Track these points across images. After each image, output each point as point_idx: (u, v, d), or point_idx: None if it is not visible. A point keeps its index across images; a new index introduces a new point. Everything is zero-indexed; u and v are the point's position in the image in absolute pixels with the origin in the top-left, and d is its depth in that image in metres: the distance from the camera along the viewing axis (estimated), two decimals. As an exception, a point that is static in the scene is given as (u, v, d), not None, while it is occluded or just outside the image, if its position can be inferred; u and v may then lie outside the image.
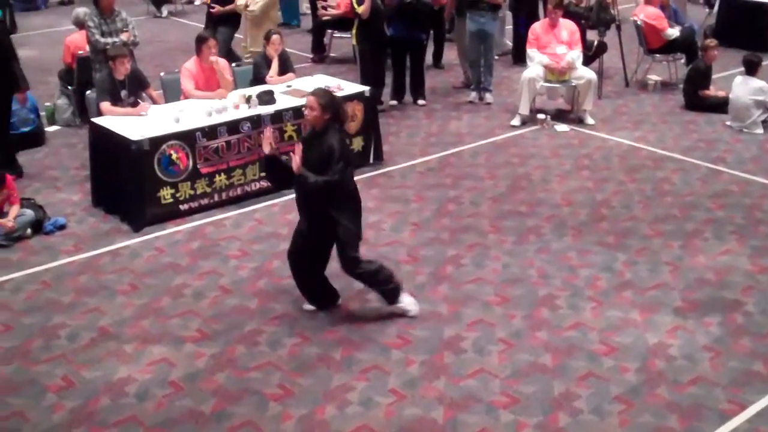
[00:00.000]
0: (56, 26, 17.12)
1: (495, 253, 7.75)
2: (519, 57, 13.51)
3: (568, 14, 11.93)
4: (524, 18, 13.48)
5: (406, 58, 11.86)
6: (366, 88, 9.76)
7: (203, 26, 12.95)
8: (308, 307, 6.76)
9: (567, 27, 11.31)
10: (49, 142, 10.71)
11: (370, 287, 6.67)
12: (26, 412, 5.63)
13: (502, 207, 8.71)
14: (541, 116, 11.26)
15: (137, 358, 6.21)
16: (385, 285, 6.58)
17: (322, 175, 6.14)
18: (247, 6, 11.71)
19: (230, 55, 12.22)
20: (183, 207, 8.44)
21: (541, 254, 7.71)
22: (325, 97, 6.30)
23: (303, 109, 6.38)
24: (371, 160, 9.84)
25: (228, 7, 12.49)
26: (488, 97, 12.20)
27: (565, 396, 5.72)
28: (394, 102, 12.04)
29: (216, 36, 11.47)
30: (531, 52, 11.32)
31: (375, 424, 5.45)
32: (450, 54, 14.05)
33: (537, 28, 11.47)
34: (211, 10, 12.52)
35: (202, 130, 8.46)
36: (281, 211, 8.57)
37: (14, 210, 8.13)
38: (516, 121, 11.22)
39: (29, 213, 8.20)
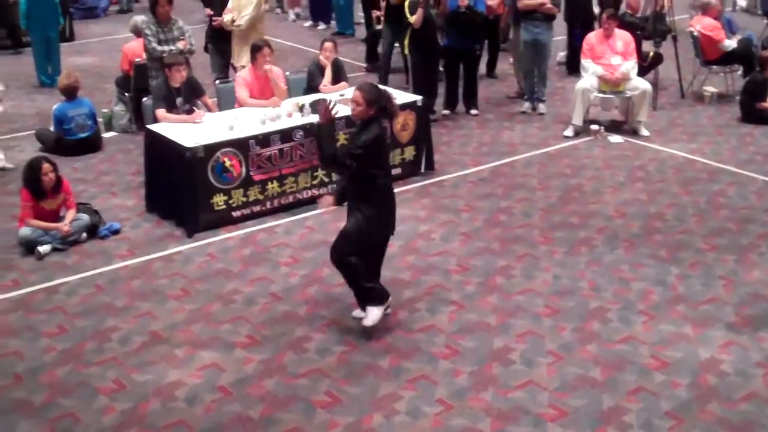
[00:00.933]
0: (114, 34, 17.40)
1: (545, 264, 7.70)
2: (573, 67, 13.46)
3: (624, 24, 11.84)
4: (579, 28, 13.40)
5: (460, 67, 11.86)
6: (418, 98, 9.77)
7: (204, 40, 12.26)
8: (358, 314, 6.77)
9: (622, 37, 11.23)
10: (106, 147, 10.88)
11: (348, 281, 6.57)
12: (78, 414, 5.71)
13: (553, 218, 8.66)
14: (594, 127, 11.17)
15: (187, 362, 6.27)
16: (364, 283, 6.48)
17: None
18: (233, 21, 11.11)
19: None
20: (236, 214, 8.52)
21: (593, 266, 7.65)
22: (371, 92, 6.29)
23: (350, 103, 6.43)
24: (422, 170, 9.84)
25: None
26: (541, 107, 12.15)
27: (615, 410, 5.67)
28: (447, 111, 12.03)
29: (219, 52, 11.60)
30: (585, 62, 11.25)
31: (422, 434, 5.46)
32: (504, 64, 14.03)
33: (592, 38, 11.40)
34: (213, 23, 11.80)
35: (255, 137, 8.53)
36: (332, 219, 8.60)
37: (70, 214, 8.27)
38: (569, 132, 11.16)
39: (85, 217, 8.33)
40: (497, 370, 6.13)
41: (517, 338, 6.53)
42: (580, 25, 13.51)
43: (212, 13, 11.81)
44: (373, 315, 6.53)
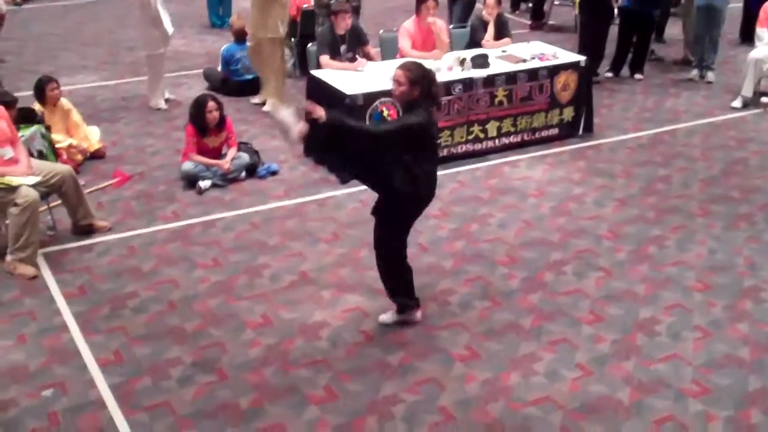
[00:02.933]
0: (285, -21, 17.65)
1: (701, 237, 7.48)
2: (747, 35, 12.90)
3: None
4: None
5: (634, 33, 11.58)
6: (582, 58, 9.56)
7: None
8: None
9: (805, 7, 10.65)
10: (269, 90, 11.12)
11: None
12: (226, 344, 5.94)
13: (713, 190, 8.38)
14: (765, 99, 10.72)
15: (333, 304, 6.41)
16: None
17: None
18: None
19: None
20: (389, 163, 8.58)
21: (751, 243, 7.38)
22: (415, 71, 5.62)
23: (392, 83, 5.71)
24: (580, 132, 9.67)
25: None
26: (710, 75, 11.73)
27: (761, 393, 5.48)
28: (610, 74, 11.78)
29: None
30: (761, 31, 10.77)
31: (558, 397, 5.41)
32: (674, 28, 13.60)
33: (771, 6, 10.86)
34: None
35: (414, 89, 8.55)
36: (484, 176, 8.60)
37: (231, 152, 8.54)
38: (737, 103, 10.74)
39: (245, 157, 8.58)
40: (641, 340, 6.01)
41: (665, 310, 6.38)
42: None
43: None
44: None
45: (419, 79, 5.60)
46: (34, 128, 8.11)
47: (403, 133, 5.59)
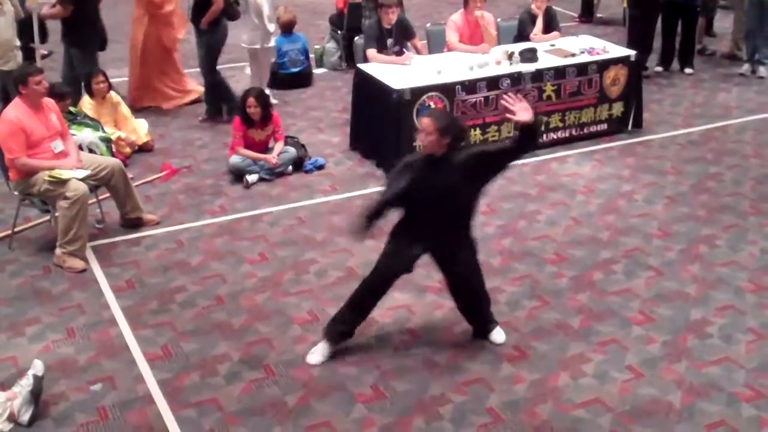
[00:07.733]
0: (331, -30, 17.64)
1: (753, 236, 7.35)
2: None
3: None
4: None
5: (678, 24, 11.40)
6: (632, 52, 9.44)
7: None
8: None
9: None
10: (316, 83, 11.12)
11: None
12: (273, 340, 5.93)
13: (765, 189, 8.23)
14: (819, 95, 10.53)
15: (381, 302, 6.34)
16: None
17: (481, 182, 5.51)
18: None
19: None
20: (436, 158, 8.53)
21: (805, 243, 7.26)
22: (442, 119, 5.34)
23: (418, 135, 5.53)
24: (629, 127, 9.55)
25: None
26: (762, 70, 11.52)
27: (817, 398, 5.39)
28: (660, 68, 11.62)
29: None
30: None
31: (608, 399, 5.34)
32: (724, 21, 13.38)
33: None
34: None
35: (462, 83, 8.50)
36: (532, 172, 8.52)
37: (278, 146, 8.53)
38: (791, 99, 10.57)
39: (292, 151, 8.57)
40: (693, 342, 5.92)
41: (717, 312, 6.28)
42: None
43: None
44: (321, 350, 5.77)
45: (449, 126, 5.31)
46: (91, 131, 8.22)
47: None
